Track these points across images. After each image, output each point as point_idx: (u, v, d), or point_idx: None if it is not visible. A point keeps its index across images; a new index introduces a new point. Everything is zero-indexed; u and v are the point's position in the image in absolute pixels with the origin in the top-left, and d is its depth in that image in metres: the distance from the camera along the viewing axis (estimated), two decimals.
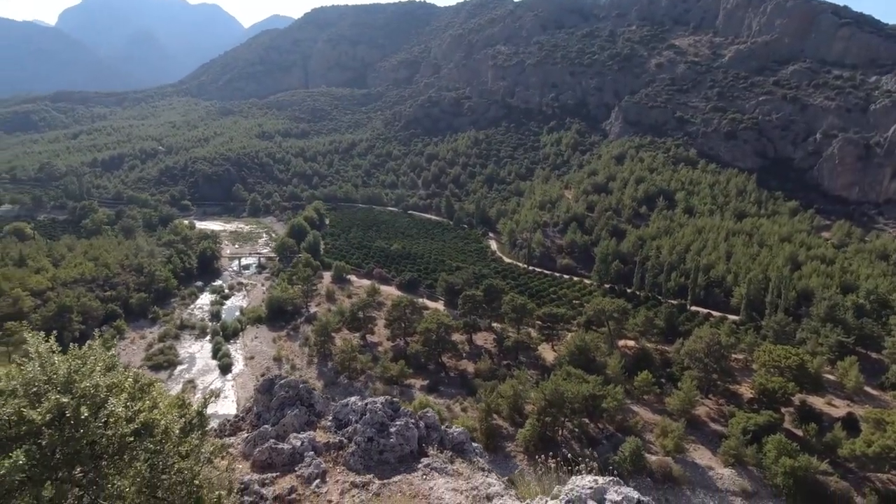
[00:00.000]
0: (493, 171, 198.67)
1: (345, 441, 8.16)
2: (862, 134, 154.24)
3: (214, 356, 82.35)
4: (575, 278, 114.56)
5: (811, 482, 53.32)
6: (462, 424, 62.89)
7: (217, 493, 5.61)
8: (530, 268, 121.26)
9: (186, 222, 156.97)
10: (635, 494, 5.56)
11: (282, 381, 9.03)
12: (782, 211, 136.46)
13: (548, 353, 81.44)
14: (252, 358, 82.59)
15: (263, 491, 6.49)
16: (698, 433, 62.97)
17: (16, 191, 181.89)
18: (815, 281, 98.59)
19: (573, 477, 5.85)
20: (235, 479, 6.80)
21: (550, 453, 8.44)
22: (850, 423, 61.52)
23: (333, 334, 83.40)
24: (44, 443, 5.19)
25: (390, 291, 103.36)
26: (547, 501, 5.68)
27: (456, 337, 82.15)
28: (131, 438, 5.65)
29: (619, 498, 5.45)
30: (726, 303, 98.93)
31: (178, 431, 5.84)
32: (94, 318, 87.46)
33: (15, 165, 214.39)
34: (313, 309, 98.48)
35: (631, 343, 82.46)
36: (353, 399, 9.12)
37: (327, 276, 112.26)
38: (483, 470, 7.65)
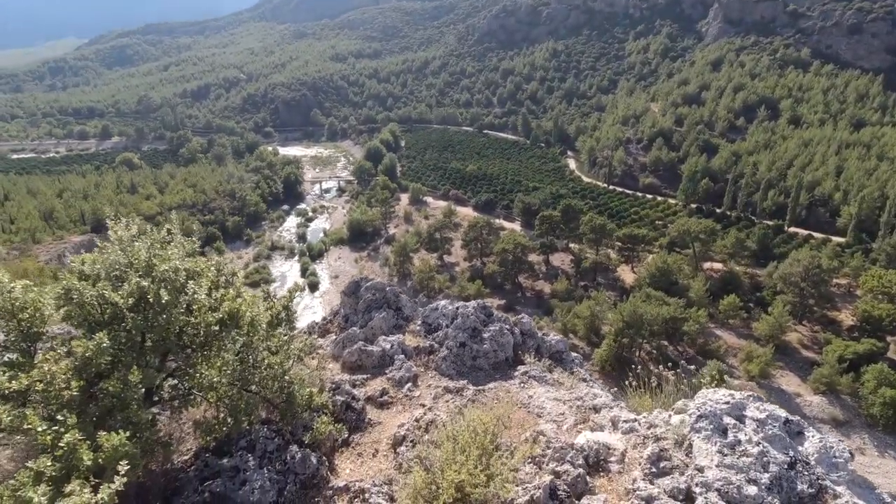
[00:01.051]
0: (573, 85, 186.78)
1: (435, 346, 7.94)
2: None
3: (303, 275, 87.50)
4: (659, 198, 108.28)
5: None
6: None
7: (308, 390, 5.55)
8: (610, 187, 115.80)
9: (270, 149, 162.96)
10: (782, 413, 4.82)
11: (368, 284, 8.87)
12: None
13: (627, 274, 79.15)
14: (336, 277, 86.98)
15: (355, 392, 6.42)
16: (787, 360, 59.92)
17: (121, 123, 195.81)
18: None
19: (703, 390, 5.19)
20: (326, 378, 6.76)
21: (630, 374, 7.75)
22: None
23: (412, 255, 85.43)
24: (128, 327, 5.23)
25: (466, 212, 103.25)
26: (670, 416, 5.10)
27: (532, 258, 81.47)
28: (217, 328, 5.60)
29: (762, 416, 4.74)
30: (832, 223, 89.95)
31: (265, 325, 5.75)
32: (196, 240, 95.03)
33: (118, 99, 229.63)
34: (392, 230, 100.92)
35: (718, 266, 78.04)
36: (443, 302, 8.82)
37: (404, 197, 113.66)
38: (585, 381, 7.18)
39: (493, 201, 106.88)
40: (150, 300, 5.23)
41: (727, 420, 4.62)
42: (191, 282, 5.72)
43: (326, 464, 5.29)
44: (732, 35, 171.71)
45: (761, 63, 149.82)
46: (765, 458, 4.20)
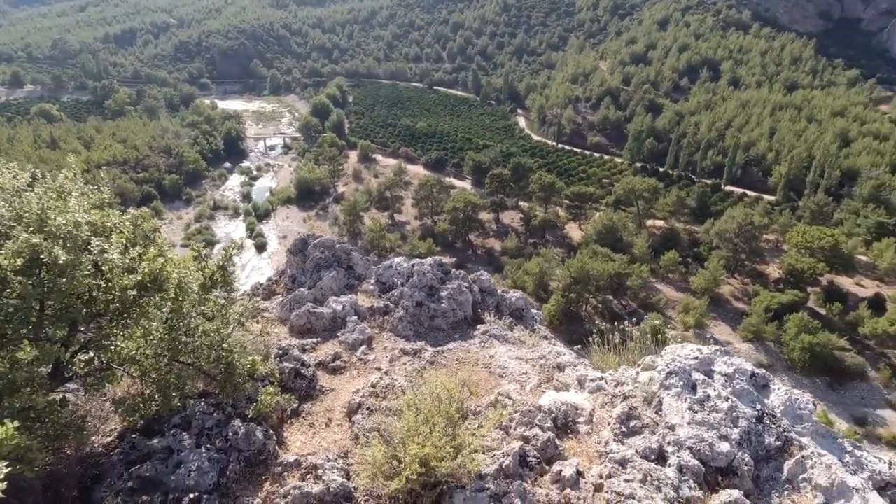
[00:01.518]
0: (523, 41, 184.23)
1: (391, 306, 7.55)
2: None
3: (249, 235, 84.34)
4: (606, 156, 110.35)
5: (827, 357, 54.40)
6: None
7: (251, 358, 5.02)
8: (559, 146, 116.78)
9: (208, 102, 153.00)
10: (748, 366, 4.79)
11: (316, 241, 8.28)
12: (839, 81, 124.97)
13: (575, 231, 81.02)
14: (285, 237, 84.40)
15: (304, 357, 5.97)
16: (720, 311, 63.74)
17: (34, 70, 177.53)
18: (863, 159, 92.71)
19: (671, 346, 5.09)
20: (273, 344, 6.26)
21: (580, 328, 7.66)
22: (877, 303, 61.12)
23: (362, 213, 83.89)
24: (16, 294, 4.42)
25: (417, 171, 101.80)
26: (638, 373, 4.98)
27: (483, 216, 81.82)
28: (135, 293, 4.89)
29: (730, 370, 4.69)
30: (764, 182, 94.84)
31: (196, 288, 5.08)
32: (131, 200, 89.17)
33: (29, 42, 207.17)
34: (341, 189, 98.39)
35: (660, 223, 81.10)
36: (397, 260, 8.37)
37: (353, 155, 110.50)
38: (547, 339, 7.01)
39: (444, 159, 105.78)
40: (45, 260, 4.40)
41: (696, 376, 4.55)
42: (97, 238, 4.88)
43: (274, 438, 4.85)
44: None
45: (705, 24, 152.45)
46: (734, 413, 4.17)
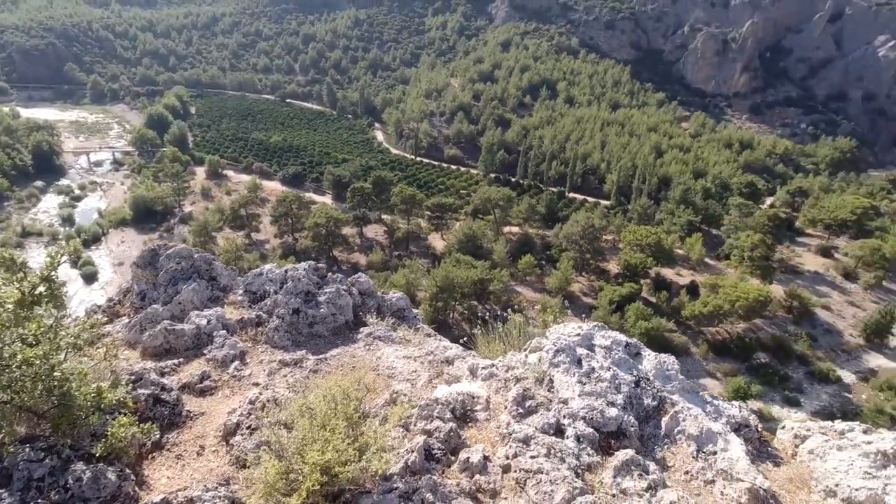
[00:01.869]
0: (377, 56, 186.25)
1: (264, 316, 6.90)
2: (722, 29, 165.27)
3: (74, 265, 72.84)
4: (462, 168, 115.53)
5: (660, 339, 62.44)
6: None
7: (95, 385, 4.12)
8: (418, 158, 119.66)
9: (7, 109, 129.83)
10: (623, 337, 5.15)
11: (169, 252, 7.26)
12: (651, 102, 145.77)
13: (438, 242, 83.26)
14: (121, 264, 74.60)
15: (165, 381, 5.16)
16: (573, 306, 69.79)
17: None
18: (673, 167, 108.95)
19: (555, 326, 5.28)
20: (123, 369, 5.31)
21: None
22: (692, 289, 71.65)
23: (214, 234, 77.52)
24: None
25: (274, 187, 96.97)
26: (526, 356, 5.09)
27: (346, 230, 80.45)
28: None
29: (608, 342, 5.01)
30: (600, 189, 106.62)
31: (12, 305, 4.01)
32: None
33: None
34: (188, 208, 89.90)
35: (515, 229, 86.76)
36: (268, 267, 7.69)
37: (200, 171, 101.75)
38: (431, 336, 6.91)
39: (302, 174, 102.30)
40: None
41: (580, 351, 4.81)
42: None
43: (133, 478, 4.03)
44: (517, 20, 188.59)
45: (542, 48, 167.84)
46: (617, 381, 4.48)
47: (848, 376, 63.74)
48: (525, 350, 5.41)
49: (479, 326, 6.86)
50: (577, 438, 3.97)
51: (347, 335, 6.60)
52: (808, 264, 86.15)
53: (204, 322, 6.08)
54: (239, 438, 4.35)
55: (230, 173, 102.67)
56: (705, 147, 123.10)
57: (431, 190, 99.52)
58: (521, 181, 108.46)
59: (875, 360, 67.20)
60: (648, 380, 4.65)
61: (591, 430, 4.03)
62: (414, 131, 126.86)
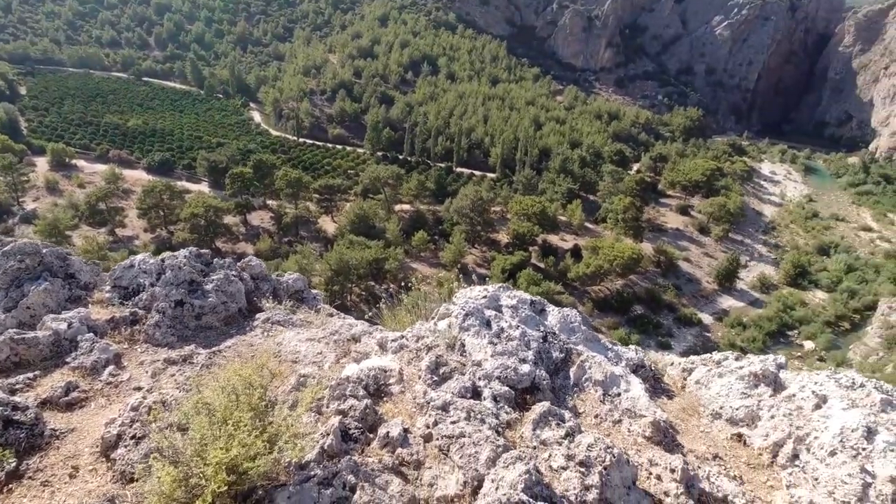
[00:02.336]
0: (245, 29, 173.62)
1: (140, 312, 6.09)
2: (587, 7, 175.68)
3: None
4: (348, 148, 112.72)
5: (550, 301, 66.54)
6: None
7: None
8: (301, 140, 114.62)
9: None
10: (527, 296, 5.24)
11: (6, 248, 6.06)
12: (527, 77, 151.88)
13: (329, 224, 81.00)
14: None
15: (17, 399, 4.35)
16: (468, 278, 71.75)
17: None
18: (552, 139, 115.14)
19: (462, 290, 5.22)
20: None
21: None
22: (576, 253, 77.03)
23: (69, 233, 68.49)
24: None
25: (138, 176, 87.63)
26: (435, 323, 5.00)
27: (228, 219, 75.37)
28: None
29: (514, 302, 5.06)
30: (486, 163, 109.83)
31: None
32: None
33: None
34: (30, 205, 78.28)
35: (406, 207, 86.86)
36: (140, 257, 6.76)
37: (42, 162, 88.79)
38: (334, 315, 6.56)
39: (171, 161, 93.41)
40: None
41: (489, 313, 4.84)
42: None
43: None
44: None
45: (420, 22, 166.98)
46: (526, 338, 4.56)
47: (707, 318, 72.86)
48: (433, 318, 5.36)
49: (382, 302, 6.66)
50: (495, 398, 4.01)
51: (242, 323, 6.06)
52: (671, 222, 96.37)
53: (63, 326, 5.18)
54: (122, 451, 3.79)
55: (82, 163, 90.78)
56: (579, 119, 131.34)
57: (318, 172, 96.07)
58: (409, 158, 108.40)
59: (727, 302, 77.46)
60: (555, 334, 4.82)
61: (506, 388, 4.09)
62: (294, 111, 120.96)
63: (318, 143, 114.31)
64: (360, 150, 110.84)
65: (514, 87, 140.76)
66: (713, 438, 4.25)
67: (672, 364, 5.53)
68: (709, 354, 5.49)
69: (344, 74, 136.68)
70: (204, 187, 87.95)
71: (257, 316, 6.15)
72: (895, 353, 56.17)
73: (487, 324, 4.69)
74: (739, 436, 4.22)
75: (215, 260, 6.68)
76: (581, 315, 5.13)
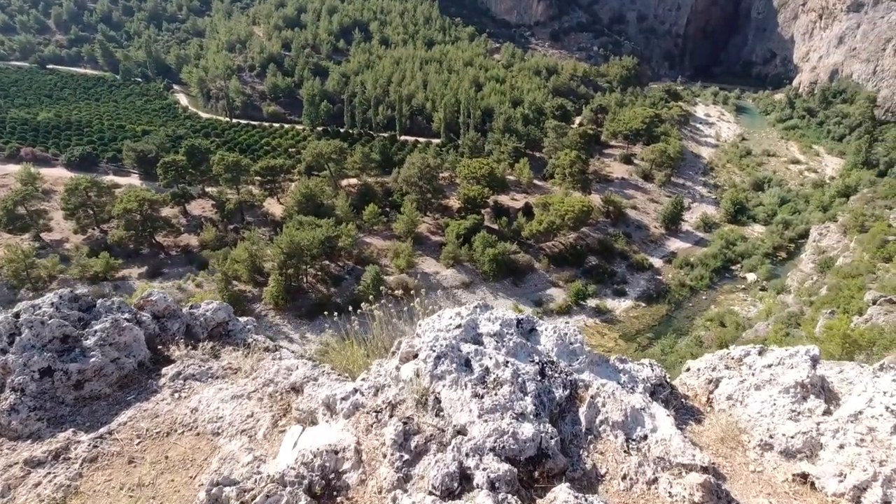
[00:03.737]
0: (158, 5, 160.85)
1: None
2: None
3: None
4: (286, 125, 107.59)
5: (507, 262, 66.71)
6: (200, 300, 57.22)
7: None
8: (234, 121, 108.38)
9: None
10: (511, 315, 4.16)
11: None
12: (463, 37, 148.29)
13: (275, 207, 77.59)
14: None
15: None
16: (424, 247, 70.84)
17: None
18: (493, 99, 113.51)
19: (426, 320, 4.04)
20: None
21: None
22: (528, 211, 76.95)
23: None
24: None
25: (58, 174, 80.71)
26: (398, 367, 3.85)
27: (166, 212, 70.77)
28: None
29: (496, 327, 3.94)
30: (429, 128, 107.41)
31: None
32: None
33: None
34: None
35: (353, 181, 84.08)
36: None
37: None
38: (269, 349, 5.28)
39: (94, 155, 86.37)
40: None
41: (466, 348, 3.69)
42: None
43: None
44: None
45: None
46: (520, 378, 3.48)
47: (657, 262, 75.00)
48: (395, 353, 4.18)
49: (333, 319, 5.40)
50: (492, 485, 2.89)
51: (144, 383, 4.64)
52: (616, 172, 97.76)
53: None
54: None
55: None
56: (518, 76, 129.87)
57: (257, 153, 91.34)
58: (351, 131, 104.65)
59: (674, 245, 79.90)
60: (553, 363, 3.78)
61: (506, 466, 2.99)
62: (223, 90, 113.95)
63: (252, 122, 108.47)
64: (299, 127, 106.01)
65: (451, 49, 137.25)
66: (771, 483, 3.36)
67: (688, 370, 4.66)
68: (725, 351, 4.65)
69: (272, 47, 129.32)
70: (134, 180, 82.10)
71: (164, 370, 4.75)
72: (827, 276, 59.51)
73: (467, 364, 3.57)
74: (804, 476, 3.32)
75: (100, 301, 5.22)
76: (578, 331, 4.13)
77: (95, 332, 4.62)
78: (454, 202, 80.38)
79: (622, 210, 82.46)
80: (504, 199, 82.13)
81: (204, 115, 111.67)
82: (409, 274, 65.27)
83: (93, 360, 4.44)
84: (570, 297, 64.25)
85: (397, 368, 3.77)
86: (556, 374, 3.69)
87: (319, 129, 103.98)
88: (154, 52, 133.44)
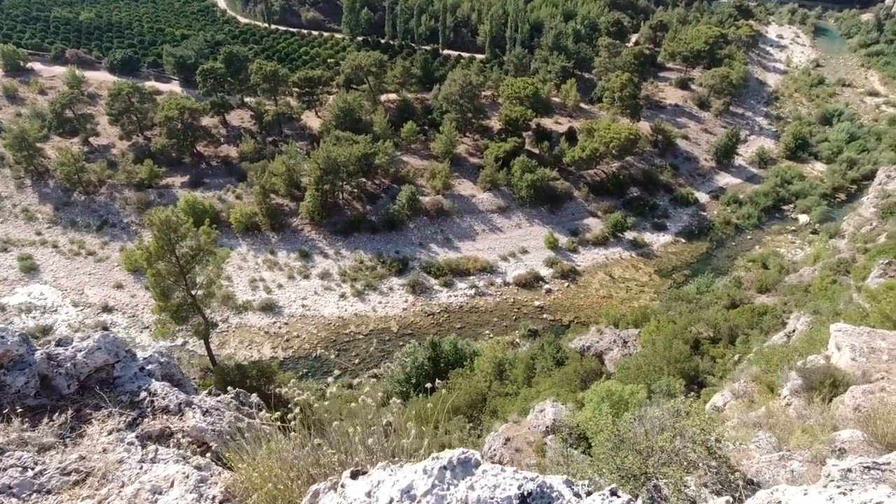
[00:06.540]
0: None
1: None
2: None
3: None
4: (325, 34, 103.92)
5: (546, 188, 65.12)
6: (240, 212, 58.72)
7: None
8: (273, 27, 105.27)
9: None
10: (512, 485, 2.41)
11: None
12: None
13: (313, 120, 76.84)
14: None
15: None
16: (461, 169, 69.69)
17: None
18: (544, 11, 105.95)
19: (353, 484, 2.84)
20: None
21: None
22: (571, 136, 73.91)
23: (40, 145, 64.95)
24: None
25: (102, 77, 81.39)
26: None
27: (206, 121, 71.22)
28: None
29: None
30: (474, 42, 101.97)
31: None
32: None
33: None
34: None
35: (392, 96, 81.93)
36: None
37: None
38: (172, 412, 3.82)
39: (135, 59, 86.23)
40: None
41: None
42: None
43: None
44: None
45: None
46: None
47: (703, 197, 71.89)
48: None
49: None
50: None
51: None
52: (670, 98, 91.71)
53: None
54: None
55: (38, 66, 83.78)
56: None
57: (295, 63, 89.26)
58: (392, 42, 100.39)
59: (724, 179, 76.02)
60: None
61: None
62: None
63: (291, 29, 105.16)
64: (339, 36, 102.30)
65: None
66: None
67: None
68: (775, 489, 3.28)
69: None
70: (175, 87, 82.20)
71: None
72: (889, 223, 55.66)
73: None
74: None
75: None
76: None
77: None
78: (495, 123, 77.78)
79: (672, 139, 78.19)
80: (547, 122, 78.88)
81: (242, 20, 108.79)
82: (445, 195, 64.82)
83: None
84: (608, 228, 62.89)
85: None
86: None
87: (359, 39, 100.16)
88: None
